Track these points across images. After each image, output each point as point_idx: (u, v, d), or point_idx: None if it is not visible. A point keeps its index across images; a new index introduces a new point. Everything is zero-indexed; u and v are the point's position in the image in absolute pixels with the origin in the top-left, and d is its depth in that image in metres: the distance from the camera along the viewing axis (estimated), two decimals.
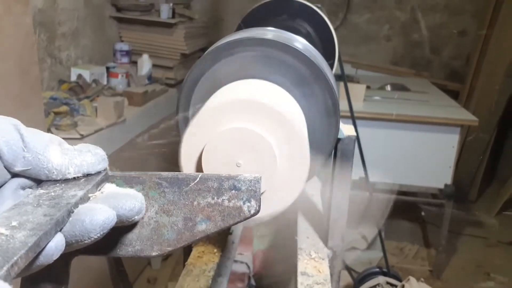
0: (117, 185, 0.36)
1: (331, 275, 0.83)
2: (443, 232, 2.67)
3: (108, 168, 0.36)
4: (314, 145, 0.59)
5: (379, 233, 1.77)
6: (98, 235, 0.30)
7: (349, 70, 3.64)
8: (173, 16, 3.29)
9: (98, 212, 0.31)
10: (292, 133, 0.47)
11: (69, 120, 2.13)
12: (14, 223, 0.27)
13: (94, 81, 2.69)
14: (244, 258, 1.67)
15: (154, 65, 3.19)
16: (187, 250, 0.92)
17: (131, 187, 0.37)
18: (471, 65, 3.72)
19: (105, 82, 2.82)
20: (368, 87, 2.93)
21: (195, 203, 0.36)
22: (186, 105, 0.60)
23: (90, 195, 0.33)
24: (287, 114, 0.48)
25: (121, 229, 0.36)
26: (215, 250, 0.89)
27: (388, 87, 3.26)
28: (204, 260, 0.86)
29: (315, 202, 1.10)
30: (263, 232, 2.01)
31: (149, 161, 2.58)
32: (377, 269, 1.79)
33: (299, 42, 0.62)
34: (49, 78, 2.58)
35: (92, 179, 0.34)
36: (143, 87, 2.88)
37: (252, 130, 0.46)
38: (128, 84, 2.93)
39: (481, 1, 3.78)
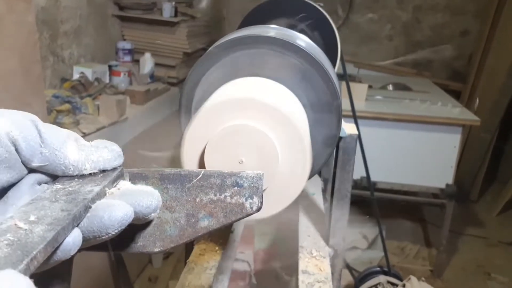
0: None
1: (332, 273, 0.83)
2: (444, 232, 2.67)
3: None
4: (316, 143, 0.59)
5: (380, 233, 1.77)
6: (116, 231, 0.30)
7: (351, 69, 3.64)
8: (176, 15, 3.29)
9: (117, 208, 0.31)
10: (293, 132, 0.47)
11: (71, 118, 2.14)
12: (32, 218, 0.28)
13: (97, 79, 2.70)
14: (245, 257, 1.67)
15: (157, 64, 3.19)
16: (188, 248, 0.92)
17: (134, 183, 0.37)
18: (473, 65, 3.72)
19: (107, 81, 2.82)
20: (370, 87, 2.93)
21: (198, 199, 0.37)
22: (188, 104, 0.60)
23: (106, 191, 0.33)
24: (289, 112, 0.48)
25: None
26: (217, 248, 0.90)
27: (390, 87, 3.26)
28: (205, 258, 0.86)
29: (317, 201, 1.10)
30: (265, 231, 2.01)
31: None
32: (378, 268, 1.79)
33: (302, 40, 0.62)
34: (52, 76, 2.59)
35: (108, 175, 0.35)
36: (145, 86, 2.88)
37: (255, 127, 0.46)
38: (130, 83, 2.93)
39: (483, 1, 3.77)
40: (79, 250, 0.33)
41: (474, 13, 3.90)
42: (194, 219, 0.37)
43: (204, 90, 0.59)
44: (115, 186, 0.35)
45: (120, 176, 0.36)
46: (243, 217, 0.37)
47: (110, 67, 2.90)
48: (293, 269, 0.90)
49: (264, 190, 0.41)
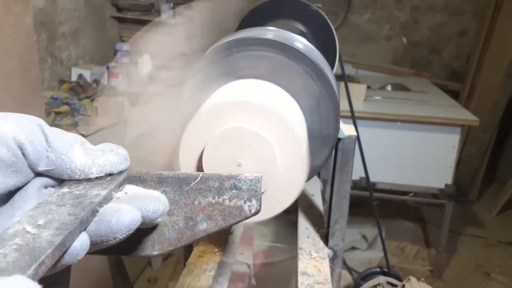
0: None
1: (332, 274, 0.83)
2: (444, 232, 2.67)
3: None
4: (314, 145, 0.59)
5: (380, 233, 1.77)
6: (124, 235, 0.30)
7: (349, 70, 3.65)
8: (174, 16, 3.28)
9: (125, 213, 0.31)
10: (291, 134, 0.47)
11: (70, 120, 2.13)
12: (40, 222, 0.27)
13: (95, 81, 2.69)
14: (244, 258, 1.67)
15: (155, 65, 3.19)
16: (187, 249, 0.92)
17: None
18: (471, 65, 3.72)
19: (105, 82, 2.82)
20: (368, 87, 2.93)
21: (196, 202, 0.36)
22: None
23: (113, 194, 0.33)
24: (286, 115, 0.48)
25: None
26: (216, 250, 0.89)
27: (389, 87, 3.26)
28: (205, 260, 0.86)
29: (316, 202, 1.10)
30: (264, 232, 2.01)
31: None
32: (378, 269, 1.79)
33: (300, 42, 0.62)
34: (50, 78, 2.59)
35: (115, 179, 0.34)
36: (144, 87, 2.88)
37: (253, 130, 0.46)
38: (129, 84, 2.93)
39: (481, 1, 3.78)
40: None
41: (472, 13, 3.91)
42: (192, 222, 0.37)
43: (202, 92, 0.59)
44: (121, 190, 0.35)
45: (127, 180, 0.36)
46: (241, 220, 0.37)
47: (108, 68, 2.90)
48: (293, 271, 0.90)
49: (262, 192, 0.41)
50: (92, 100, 2.43)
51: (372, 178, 1.75)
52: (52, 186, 0.33)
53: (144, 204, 0.33)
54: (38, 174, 0.32)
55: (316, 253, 0.86)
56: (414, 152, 2.66)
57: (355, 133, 0.81)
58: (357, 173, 1.98)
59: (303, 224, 0.97)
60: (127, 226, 0.30)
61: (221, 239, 0.94)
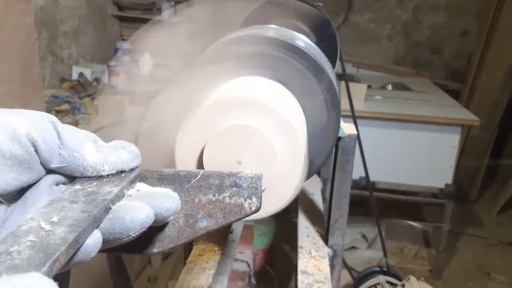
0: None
1: (331, 274, 0.83)
2: (444, 232, 2.67)
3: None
4: (314, 143, 0.59)
5: (380, 233, 1.77)
6: (137, 233, 0.30)
7: (350, 69, 3.64)
8: (175, 15, 3.29)
9: (139, 210, 0.31)
10: (291, 132, 0.47)
11: (70, 118, 2.14)
12: (54, 219, 0.28)
13: (96, 79, 2.70)
14: (244, 257, 1.68)
15: (155, 64, 3.19)
16: (187, 248, 0.92)
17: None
18: (472, 65, 3.72)
19: (106, 81, 2.82)
20: (369, 87, 2.93)
21: (196, 200, 0.36)
22: None
23: (124, 192, 0.33)
24: (287, 113, 0.48)
25: None
26: (216, 248, 0.90)
27: (389, 87, 3.26)
28: (204, 258, 0.86)
29: (316, 201, 1.10)
30: (264, 231, 2.01)
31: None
32: (377, 268, 1.79)
33: (301, 40, 0.62)
34: (51, 76, 2.59)
35: (127, 176, 0.35)
36: (145, 86, 2.88)
37: (254, 127, 0.46)
38: (130, 83, 2.93)
39: (483, 1, 3.78)
40: None
41: (473, 13, 3.91)
42: (193, 220, 0.37)
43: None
44: (133, 187, 0.35)
45: (138, 177, 0.36)
46: (242, 218, 0.37)
47: (109, 67, 2.90)
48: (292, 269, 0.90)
49: (263, 190, 0.41)
50: (93, 99, 2.44)
51: (372, 178, 1.75)
52: (63, 183, 0.33)
53: (157, 202, 0.33)
54: (49, 171, 0.32)
55: (316, 252, 0.86)
56: (414, 151, 2.66)
57: (355, 132, 0.81)
58: (357, 172, 1.98)
59: (303, 223, 0.97)
60: (140, 224, 0.30)
61: (221, 237, 0.94)
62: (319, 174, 1.27)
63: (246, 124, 0.46)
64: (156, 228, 0.37)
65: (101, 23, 3.10)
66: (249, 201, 0.36)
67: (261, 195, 0.37)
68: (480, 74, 3.60)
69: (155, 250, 0.37)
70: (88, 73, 2.69)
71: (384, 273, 1.72)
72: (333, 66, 1.01)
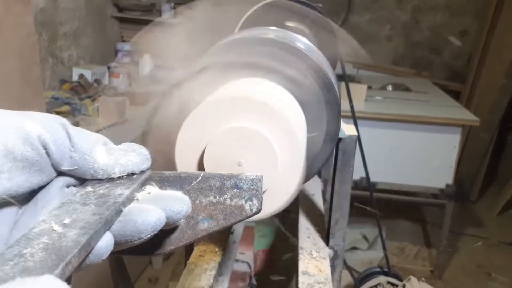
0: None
1: (332, 274, 0.83)
2: (444, 232, 2.67)
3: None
4: (314, 145, 0.59)
5: (380, 233, 1.77)
6: (149, 236, 0.31)
7: (350, 70, 3.64)
8: (175, 16, 3.29)
9: (151, 213, 0.31)
10: (291, 133, 0.47)
11: (71, 120, 2.13)
12: (66, 221, 0.28)
13: (96, 81, 2.70)
14: (245, 258, 1.68)
15: (156, 65, 3.19)
16: (188, 249, 0.92)
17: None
18: (472, 65, 3.72)
19: (106, 82, 2.82)
20: (369, 87, 2.93)
21: (197, 201, 0.37)
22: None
23: (135, 194, 0.33)
24: (287, 114, 0.48)
25: None
26: (217, 250, 0.90)
27: (389, 87, 3.26)
28: (205, 259, 0.86)
29: (316, 202, 1.10)
30: (264, 232, 2.01)
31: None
32: (378, 269, 1.79)
33: (301, 42, 0.62)
34: (51, 77, 2.59)
35: (137, 178, 0.35)
36: (145, 87, 2.88)
37: (254, 129, 0.46)
38: (130, 84, 2.93)
39: (482, 0, 3.78)
40: None
41: (473, 13, 3.91)
42: (193, 221, 0.37)
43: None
44: (143, 190, 0.35)
45: (148, 179, 0.36)
46: (242, 219, 0.37)
47: (109, 68, 2.90)
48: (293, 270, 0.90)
49: (263, 192, 0.41)
50: (93, 100, 2.44)
51: (373, 178, 1.75)
52: (74, 185, 0.33)
53: (168, 205, 0.33)
54: (60, 173, 0.32)
55: (317, 252, 0.86)
56: (414, 152, 2.66)
57: (355, 133, 0.81)
58: (358, 173, 1.98)
59: (304, 224, 0.97)
60: (152, 227, 0.30)
61: (221, 238, 0.94)
62: (319, 175, 1.27)
63: (247, 126, 0.46)
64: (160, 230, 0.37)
65: (100, 24, 3.10)
66: (250, 202, 0.36)
67: (262, 197, 0.37)
68: (480, 74, 3.60)
69: (156, 252, 0.37)
70: (88, 75, 2.69)
71: (385, 273, 1.72)
72: (333, 67, 1.01)
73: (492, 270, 2.90)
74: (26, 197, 0.31)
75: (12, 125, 0.29)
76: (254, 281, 1.64)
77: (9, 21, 1.41)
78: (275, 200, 0.49)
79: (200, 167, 0.48)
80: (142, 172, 0.35)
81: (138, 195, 0.34)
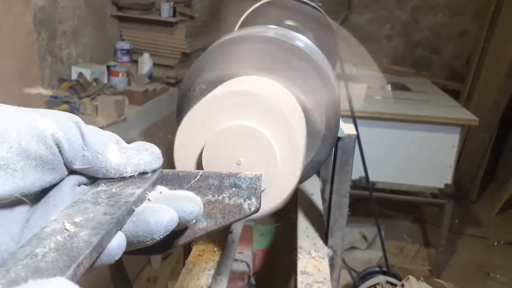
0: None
1: (331, 274, 0.83)
2: (443, 232, 2.67)
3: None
4: (313, 143, 0.59)
5: (379, 233, 1.77)
6: (161, 236, 0.30)
7: (350, 69, 3.64)
8: (174, 15, 3.28)
9: (164, 214, 0.31)
10: (290, 132, 0.47)
11: None
12: (78, 220, 0.27)
13: (95, 79, 2.69)
14: (244, 257, 1.67)
15: (155, 64, 3.19)
16: (187, 248, 0.92)
17: None
18: (472, 65, 3.72)
19: (105, 81, 2.82)
20: (368, 87, 2.93)
21: None
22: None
23: (146, 194, 0.33)
24: (286, 112, 0.48)
25: None
26: (215, 249, 0.89)
27: (389, 87, 3.25)
28: (204, 259, 0.86)
29: (315, 201, 1.10)
30: (263, 231, 2.01)
31: None
32: (377, 268, 1.79)
33: (301, 40, 0.62)
34: (50, 76, 2.58)
35: (149, 178, 0.34)
36: (144, 86, 2.88)
37: (254, 127, 0.46)
38: (129, 83, 2.93)
39: (482, 0, 3.78)
40: None
41: (473, 13, 3.91)
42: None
43: (201, 90, 0.58)
44: (154, 190, 0.35)
45: (160, 179, 0.36)
46: (241, 218, 0.37)
47: (108, 67, 2.89)
48: (292, 270, 0.90)
49: (262, 190, 0.41)
50: (92, 99, 2.43)
51: (372, 178, 1.75)
52: (85, 184, 0.33)
53: (180, 205, 0.33)
54: (72, 171, 0.32)
55: (316, 252, 0.86)
56: (414, 151, 2.66)
57: (355, 132, 0.81)
58: (357, 172, 1.98)
59: (303, 223, 0.97)
60: (165, 227, 0.30)
61: (220, 238, 0.93)
62: (318, 174, 1.26)
63: (246, 124, 0.46)
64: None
65: (100, 23, 3.10)
66: (249, 201, 0.36)
67: (261, 196, 0.37)
68: (479, 74, 3.60)
69: (156, 252, 0.37)
70: (87, 73, 2.68)
71: (384, 273, 1.72)
72: (333, 66, 1.01)
73: (491, 270, 2.90)
74: (37, 195, 0.31)
75: (26, 123, 0.29)
76: (253, 281, 1.64)
77: (9, 21, 1.41)
78: (273, 199, 0.48)
79: (199, 165, 0.48)
80: (154, 171, 0.35)
81: (150, 195, 0.33)
